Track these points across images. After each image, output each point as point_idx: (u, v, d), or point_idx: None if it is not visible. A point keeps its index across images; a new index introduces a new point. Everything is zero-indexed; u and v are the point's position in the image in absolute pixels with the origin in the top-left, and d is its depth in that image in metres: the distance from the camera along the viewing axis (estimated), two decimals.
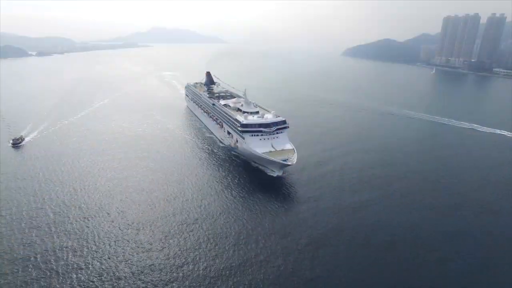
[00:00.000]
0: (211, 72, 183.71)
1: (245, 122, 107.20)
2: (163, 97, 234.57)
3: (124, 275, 60.59)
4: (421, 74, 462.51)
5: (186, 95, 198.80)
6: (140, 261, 64.16)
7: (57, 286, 57.89)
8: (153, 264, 63.44)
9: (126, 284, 58.78)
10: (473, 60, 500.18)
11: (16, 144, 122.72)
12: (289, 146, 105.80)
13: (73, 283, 58.61)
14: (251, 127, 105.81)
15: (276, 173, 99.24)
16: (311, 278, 60.98)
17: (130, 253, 66.25)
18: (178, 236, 72.38)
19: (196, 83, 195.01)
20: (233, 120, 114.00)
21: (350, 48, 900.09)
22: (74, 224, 75.32)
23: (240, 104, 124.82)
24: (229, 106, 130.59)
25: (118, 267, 62.57)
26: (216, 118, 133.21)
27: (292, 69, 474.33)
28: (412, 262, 65.97)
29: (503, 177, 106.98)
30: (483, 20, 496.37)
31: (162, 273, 61.38)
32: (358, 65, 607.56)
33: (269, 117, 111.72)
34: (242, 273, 61.70)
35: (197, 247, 68.51)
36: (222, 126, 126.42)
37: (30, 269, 61.42)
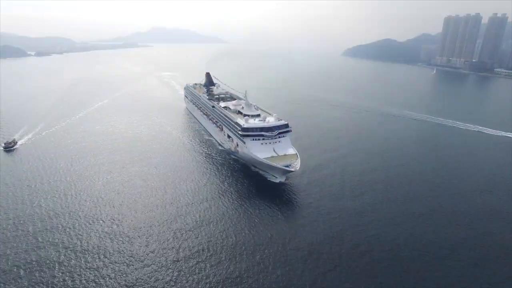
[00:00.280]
0: (210, 73, 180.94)
1: (246, 125, 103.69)
2: (162, 98, 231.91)
3: None
4: (422, 74, 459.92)
5: (185, 96, 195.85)
6: (133, 273, 61.17)
7: None
8: (146, 277, 60.45)
9: None
10: (474, 60, 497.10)
11: (8, 148, 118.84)
12: (291, 150, 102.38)
13: None
14: (252, 131, 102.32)
15: (278, 179, 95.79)
16: None
17: (124, 266, 63.13)
18: (174, 244, 69.50)
19: (196, 84, 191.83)
20: (233, 124, 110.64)
21: (350, 48, 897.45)
22: (63, 234, 71.74)
23: (241, 107, 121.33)
24: (229, 108, 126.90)
25: (109, 281, 59.53)
26: (216, 121, 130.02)
27: (292, 69, 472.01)
28: (417, 273, 63.14)
29: (509, 180, 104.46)
30: (485, 20, 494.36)
31: (156, 285, 58.60)
32: (358, 65, 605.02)
33: (271, 121, 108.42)
34: (239, 285, 58.96)
35: (192, 257, 65.59)
36: (222, 129, 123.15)
37: (10, 285, 58.00)
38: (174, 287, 58.45)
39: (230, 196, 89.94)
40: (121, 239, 70.66)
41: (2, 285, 58.14)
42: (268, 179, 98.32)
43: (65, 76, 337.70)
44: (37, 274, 60.30)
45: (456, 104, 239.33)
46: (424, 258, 67.07)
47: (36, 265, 62.50)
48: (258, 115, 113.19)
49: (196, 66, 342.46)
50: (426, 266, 64.72)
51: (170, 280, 59.95)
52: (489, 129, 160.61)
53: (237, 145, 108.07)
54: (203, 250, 67.82)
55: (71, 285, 58.18)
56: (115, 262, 63.69)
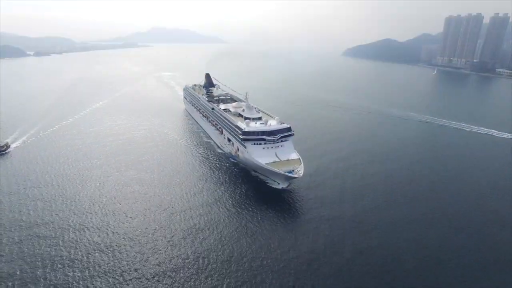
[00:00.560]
0: (210, 74, 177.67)
1: (247, 129, 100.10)
2: (161, 99, 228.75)
3: None
4: (423, 74, 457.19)
5: (185, 97, 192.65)
6: (128, 285, 58.08)
7: None
8: None
9: None
10: (475, 61, 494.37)
11: (0, 151, 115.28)
12: (294, 155, 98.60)
13: None
14: (254, 135, 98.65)
15: (280, 185, 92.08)
16: None
17: (117, 277, 59.90)
18: (169, 252, 66.49)
19: (195, 85, 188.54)
20: (234, 127, 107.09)
21: (350, 48, 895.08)
22: (50, 244, 67.81)
23: (241, 109, 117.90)
24: (229, 111, 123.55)
25: None
26: (216, 124, 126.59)
27: (293, 69, 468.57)
28: (420, 279, 60.79)
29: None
30: (486, 20, 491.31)
31: None
32: (358, 65, 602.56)
33: (272, 124, 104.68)
34: None
35: (187, 267, 62.56)
36: (222, 132, 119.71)
37: None
38: None
39: (227, 202, 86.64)
40: (112, 248, 67.35)
41: None
42: (270, 185, 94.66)
43: (63, 77, 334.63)
44: None
45: (458, 105, 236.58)
46: (427, 263, 64.72)
47: (18, 280, 58.92)
48: (260, 118, 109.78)
49: (196, 66, 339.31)
50: (429, 272, 62.35)
51: None
52: (492, 130, 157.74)
53: (238, 149, 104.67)
54: (198, 259, 64.73)
55: None
56: (107, 273, 60.59)
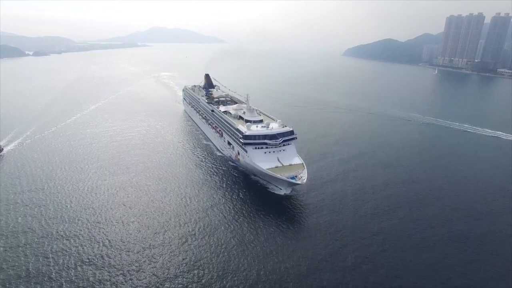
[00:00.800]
0: (210, 75, 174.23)
1: (248, 133, 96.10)
2: (160, 100, 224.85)
3: None
4: (424, 75, 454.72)
5: (184, 98, 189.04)
6: None
7: None
8: None
9: None
10: (476, 61, 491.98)
11: None
12: (297, 160, 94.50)
13: None
14: (255, 139, 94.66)
15: (283, 191, 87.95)
16: None
17: None
18: (162, 261, 62.88)
19: (194, 86, 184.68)
20: (234, 130, 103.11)
21: (351, 48, 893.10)
22: (37, 259, 62.95)
23: (242, 111, 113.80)
24: (230, 113, 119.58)
25: None
26: (216, 126, 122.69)
27: (293, 69, 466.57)
28: None
29: None
30: (487, 20, 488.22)
31: None
32: (359, 65, 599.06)
33: (274, 127, 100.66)
34: None
35: (180, 276, 59.07)
36: (222, 135, 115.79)
37: None
38: None
39: (225, 207, 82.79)
40: (104, 258, 63.41)
41: None
42: (271, 190, 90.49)
43: (61, 77, 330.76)
44: None
45: (461, 106, 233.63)
46: (433, 273, 61.27)
47: None
48: (261, 121, 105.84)
49: (196, 66, 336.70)
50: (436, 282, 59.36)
51: None
52: (498, 132, 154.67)
53: (238, 153, 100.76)
54: (194, 268, 61.21)
55: None
56: (99, 284, 56.92)
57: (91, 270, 60.22)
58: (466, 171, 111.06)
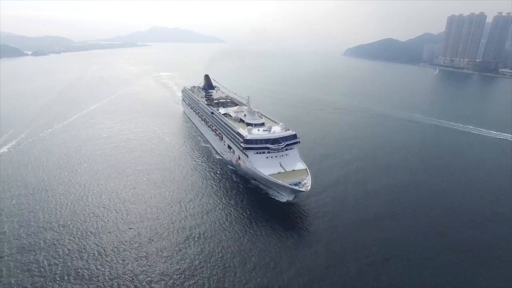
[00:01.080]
0: (210, 75, 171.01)
1: (249, 137, 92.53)
2: (159, 101, 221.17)
3: None
4: (424, 75, 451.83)
5: (183, 99, 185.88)
6: None
7: None
8: None
9: None
10: (478, 61, 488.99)
11: None
12: (301, 165, 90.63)
13: None
14: (256, 143, 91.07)
15: (285, 198, 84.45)
16: None
17: None
18: (158, 269, 60.17)
19: (194, 86, 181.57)
20: (234, 134, 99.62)
21: (351, 47, 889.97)
22: (23, 274, 59.64)
23: (243, 114, 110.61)
24: (230, 115, 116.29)
25: None
26: (215, 129, 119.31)
27: (293, 69, 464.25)
28: None
29: None
30: (489, 19, 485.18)
31: None
32: (359, 65, 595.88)
33: (277, 131, 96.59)
34: None
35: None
36: (222, 139, 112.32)
37: None
38: None
39: (223, 213, 79.65)
40: (97, 268, 60.35)
41: None
42: (273, 197, 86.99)
43: (59, 77, 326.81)
44: None
45: (465, 107, 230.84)
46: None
47: None
48: (262, 124, 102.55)
49: (196, 66, 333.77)
50: None
51: None
52: (505, 134, 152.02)
53: (239, 157, 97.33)
54: (188, 277, 58.54)
55: None
56: None
57: (82, 281, 57.32)
58: (470, 174, 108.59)
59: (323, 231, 73.42)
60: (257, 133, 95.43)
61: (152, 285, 56.81)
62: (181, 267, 61.40)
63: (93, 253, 64.55)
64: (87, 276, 58.46)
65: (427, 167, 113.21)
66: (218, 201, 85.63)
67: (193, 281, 57.89)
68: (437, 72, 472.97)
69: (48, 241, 67.84)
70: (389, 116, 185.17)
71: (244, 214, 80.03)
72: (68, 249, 65.48)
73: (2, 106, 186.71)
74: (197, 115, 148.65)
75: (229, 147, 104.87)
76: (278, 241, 69.36)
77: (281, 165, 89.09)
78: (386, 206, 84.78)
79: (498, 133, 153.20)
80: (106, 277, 58.30)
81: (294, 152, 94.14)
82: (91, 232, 71.23)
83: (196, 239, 69.46)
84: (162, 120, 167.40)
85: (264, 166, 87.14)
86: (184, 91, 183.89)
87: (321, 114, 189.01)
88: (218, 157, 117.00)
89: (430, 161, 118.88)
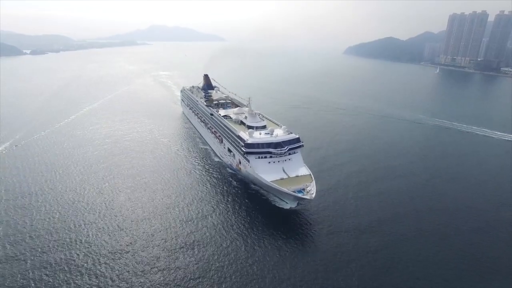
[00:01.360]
0: (209, 75, 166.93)
1: (250, 141, 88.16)
2: (158, 101, 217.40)
3: None
4: (425, 74, 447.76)
5: (182, 100, 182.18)
6: None
7: None
8: None
9: None
10: (479, 59, 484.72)
11: None
12: (304, 170, 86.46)
13: None
14: (258, 148, 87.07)
15: (288, 205, 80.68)
16: None
17: None
18: (150, 277, 57.32)
19: (193, 86, 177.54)
20: (235, 137, 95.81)
21: (352, 46, 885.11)
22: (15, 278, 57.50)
23: (244, 116, 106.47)
24: (230, 117, 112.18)
25: None
26: (215, 131, 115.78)
27: (293, 68, 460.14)
28: None
29: None
30: (491, 18, 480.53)
31: None
32: (359, 64, 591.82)
33: (279, 134, 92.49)
34: None
35: None
36: (221, 142, 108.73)
37: None
38: None
39: (218, 220, 76.15)
40: (89, 279, 57.15)
41: None
42: (275, 203, 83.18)
43: (57, 76, 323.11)
44: None
45: (466, 106, 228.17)
46: None
47: None
48: (264, 127, 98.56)
49: (196, 65, 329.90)
50: None
51: None
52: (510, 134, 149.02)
53: (240, 162, 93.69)
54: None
55: None
56: None
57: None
58: (474, 177, 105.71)
59: (323, 237, 70.67)
60: (258, 136, 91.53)
61: None
62: (176, 277, 58.60)
63: (85, 262, 61.59)
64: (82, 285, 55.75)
65: (430, 168, 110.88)
66: (216, 206, 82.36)
67: None
68: (437, 71, 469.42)
69: (33, 249, 64.84)
70: (389, 116, 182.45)
71: (243, 220, 76.78)
72: (59, 258, 62.57)
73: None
74: (196, 116, 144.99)
75: (229, 151, 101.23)
76: (277, 249, 66.34)
77: (284, 170, 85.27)
78: (389, 210, 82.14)
79: (505, 134, 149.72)
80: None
81: (297, 157, 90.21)
82: (82, 240, 68.19)
83: (192, 247, 66.40)
84: (161, 121, 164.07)
85: (266, 172, 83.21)
86: (183, 91, 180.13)
87: (321, 114, 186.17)
88: (216, 159, 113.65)
89: (432, 163, 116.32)
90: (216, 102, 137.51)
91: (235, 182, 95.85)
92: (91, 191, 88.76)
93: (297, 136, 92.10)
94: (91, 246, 66.04)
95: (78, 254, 63.67)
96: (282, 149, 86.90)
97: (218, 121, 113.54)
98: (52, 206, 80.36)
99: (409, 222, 77.11)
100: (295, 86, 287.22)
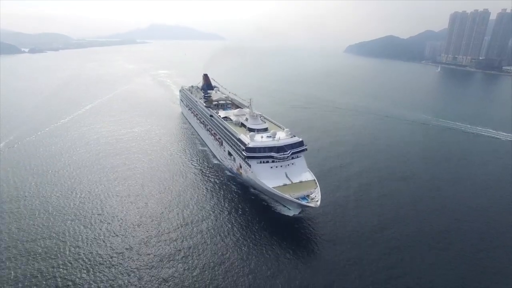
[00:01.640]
0: (209, 74, 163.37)
1: (251, 144, 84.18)
2: (157, 100, 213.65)
3: None
4: (426, 72, 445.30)
5: (181, 100, 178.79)
6: None
7: None
8: None
9: None
10: (481, 58, 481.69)
11: None
12: (308, 175, 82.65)
13: None
14: (260, 152, 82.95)
15: (292, 212, 77.21)
16: None
17: None
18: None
19: (192, 86, 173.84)
20: (235, 140, 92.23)
21: (352, 44, 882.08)
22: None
23: (244, 118, 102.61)
24: (230, 119, 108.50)
25: None
26: (215, 133, 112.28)
27: (293, 66, 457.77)
28: None
29: None
30: (493, 16, 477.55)
31: None
32: (360, 63, 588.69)
33: (282, 137, 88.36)
34: None
35: None
36: (221, 144, 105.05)
37: None
38: None
39: (215, 225, 73.22)
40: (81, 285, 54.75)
41: None
42: (277, 210, 79.51)
43: (54, 75, 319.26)
44: None
45: (468, 106, 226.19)
46: None
47: None
48: (266, 129, 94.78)
49: (196, 64, 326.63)
50: None
51: None
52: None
53: (240, 166, 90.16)
54: None
55: None
56: None
57: None
58: (477, 178, 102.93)
59: (324, 244, 67.84)
60: (260, 140, 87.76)
61: None
62: (172, 285, 56.08)
63: (84, 267, 59.42)
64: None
65: (431, 169, 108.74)
66: (212, 211, 79.36)
67: None
68: (439, 70, 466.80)
69: (26, 253, 62.64)
70: (391, 116, 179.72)
71: (241, 226, 73.67)
72: (52, 264, 60.01)
73: None
74: (195, 117, 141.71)
75: (230, 154, 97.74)
76: (275, 258, 63.30)
77: (287, 175, 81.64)
78: (391, 214, 79.67)
79: (509, 134, 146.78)
80: None
81: (301, 161, 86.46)
82: (77, 245, 65.54)
83: (186, 255, 63.52)
84: (159, 121, 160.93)
85: (268, 177, 79.47)
86: (182, 91, 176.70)
87: (321, 113, 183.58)
88: (215, 161, 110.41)
89: (434, 164, 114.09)
90: (216, 102, 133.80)
91: (234, 186, 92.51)
92: (83, 195, 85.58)
93: (300, 140, 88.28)
94: (86, 250, 63.70)
95: (71, 263, 60.63)
96: (285, 153, 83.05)
97: (218, 123, 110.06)
98: (41, 212, 77.18)
99: (412, 227, 74.60)
100: (295, 85, 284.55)
